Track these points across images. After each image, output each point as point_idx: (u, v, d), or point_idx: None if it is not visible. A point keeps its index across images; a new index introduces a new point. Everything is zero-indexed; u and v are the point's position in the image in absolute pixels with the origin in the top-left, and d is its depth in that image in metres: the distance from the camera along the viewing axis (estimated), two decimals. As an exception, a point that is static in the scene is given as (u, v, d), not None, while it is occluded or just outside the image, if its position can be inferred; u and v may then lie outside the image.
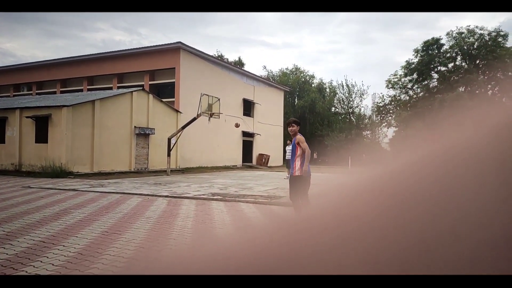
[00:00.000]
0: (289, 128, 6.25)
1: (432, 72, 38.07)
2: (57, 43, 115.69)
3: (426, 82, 38.65)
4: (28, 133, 17.73)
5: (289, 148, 15.13)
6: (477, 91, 34.72)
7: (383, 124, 45.98)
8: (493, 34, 34.44)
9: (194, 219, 6.52)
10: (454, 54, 36.54)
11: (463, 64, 36.49)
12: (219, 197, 9.64)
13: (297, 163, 6.08)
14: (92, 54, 28.60)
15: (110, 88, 26.47)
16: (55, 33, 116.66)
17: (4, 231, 5.36)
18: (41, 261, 3.95)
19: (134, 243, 4.78)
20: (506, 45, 34.36)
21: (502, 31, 34.70)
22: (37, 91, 31.34)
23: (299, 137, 6.14)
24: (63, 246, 4.58)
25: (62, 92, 29.19)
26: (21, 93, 32.40)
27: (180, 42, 24.70)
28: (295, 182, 6.09)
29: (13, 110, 18.21)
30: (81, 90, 28.15)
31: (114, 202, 8.64)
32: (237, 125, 25.71)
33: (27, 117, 17.60)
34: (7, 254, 4.21)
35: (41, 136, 17.34)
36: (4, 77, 33.34)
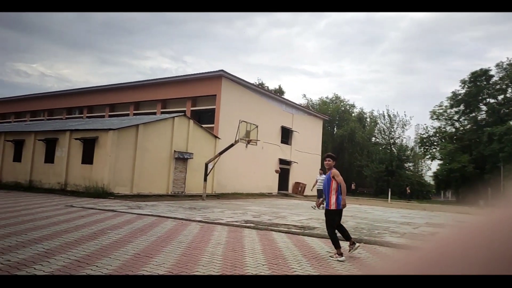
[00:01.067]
0: (325, 162, 6.55)
1: (480, 104, 36.53)
2: (109, 70, 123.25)
3: (473, 114, 37.08)
4: (76, 154, 18.70)
5: (320, 178, 14.89)
6: (530, 125, 32.75)
7: (427, 156, 44.23)
8: (547, 65, 32.73)
9: (224, 246, 6.49)
10: (504, 86, 34.94)
11: (514, 96, 34.74)
12: (252, 224, 9.57)
13: (333, 196, 6.22)
14: (139, 81, 30.13)
15: (154, 113, 27.58)
16: (107, 61, 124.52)
17: (44, 248, 5.59)
18: (80, 274, 4.06)
19: (164, 267, 4.81)
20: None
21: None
22: (87, 115, 33.23)
23: (334, 171, 6.41)
24: (96, 266, 4.69)
25: (110, 116, 30.78)
26: (73, 116, 34.52)
27: (222, 70, 25.47)
28: (331, 215, 6.26)
29: (63, 132, 19.37)
30: (128, 115, 29.53)
31: (149, 224, 8.81)
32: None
33: (76, 139, 18.62)
34: (43, 271, 4.37)
35: (87, 157, 18.22)
36: (59, 100, 35.76)
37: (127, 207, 12.50)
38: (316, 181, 15.94)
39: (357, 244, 6.44)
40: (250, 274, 4.56)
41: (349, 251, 6.32)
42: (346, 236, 6.34)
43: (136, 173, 18.45)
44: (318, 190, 15.51)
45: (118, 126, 18.46)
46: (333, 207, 6.18)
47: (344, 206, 6.30)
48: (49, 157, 19.64)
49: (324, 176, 11.02)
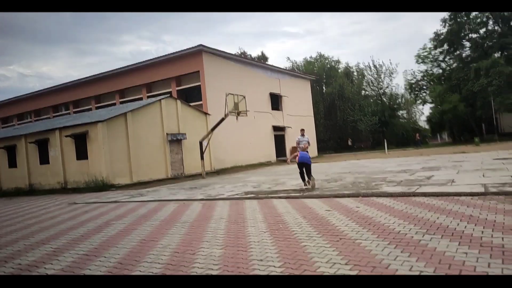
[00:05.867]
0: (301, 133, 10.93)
1: (464, 40, 36.25)
2: (89, 60, 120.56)
3: (458, 52, 36.88)
4: (69, 152, 18.67)
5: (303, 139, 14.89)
6: (515, 55, 32.71)
7: (418, 101, 44.40)
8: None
9: (227, 220, 6.67)
10: (485, 19, 34.54)
11: (496, 28, 34.43)
12: (252, 195, 9.76)
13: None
14: (120, 68, 29.63)
15: (140, 99, 27.33)
16: (86, 51, 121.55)
17: (52, 247, 5.73)
18: (84, 274, 4.21)
19: (170, 248, 4.97)
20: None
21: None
22: (74, 110, 32.87)
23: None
24: (104, 257, 4.85)
25: (97, 108, 30.47)
26: (60, 113, 34.13)
27: (201, 45, 25.05)
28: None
29: (53, 131, 19.23)
30: (114, 104, 29.23)
31: (152, 210, 8.98)
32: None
33: (66, 136, 18.52)
34: (54, 269, 4.52)
35: (81, 153, 18.20)
36: (44, 99, 35.24)
37: (129, 196, 12.66)
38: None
39: (307, 186, 10.04)
40: (253, 254, 4.73)
41: (304, 185, 10.23)
42: (306, 177, 10.19)
43: (133, 162, 18.52)
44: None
45: (106, 117, 18.34)
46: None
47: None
48: (44, 158, 19.60)
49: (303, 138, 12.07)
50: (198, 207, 8.63)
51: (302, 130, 12.97)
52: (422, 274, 3.20)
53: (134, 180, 18.32)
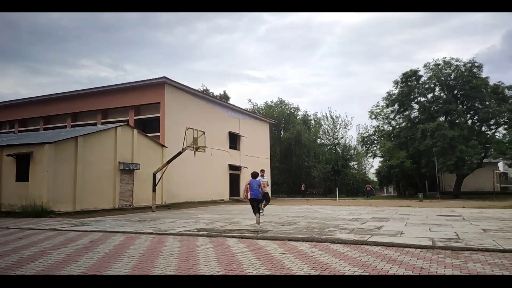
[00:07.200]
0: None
1: (413, 102, 38.96)
2: (41, 80, 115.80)
3: (407, 112, 39.47)
4: (9, 172, 17.29)
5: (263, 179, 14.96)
6: (457, 120, 35.58)
7: (369, 154, 46.39)
8: (468, 65, 35.77)
9: (177, 256, 6.32)
10: (432, 85, 37.60)
11: (442, 94, 37.55)
12: (205, 232, 9.42)
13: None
14: (76, 91, 28.61)
15: (95, 124, 26.31)
16: (39, 71, 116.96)
17: (-25, 276, 5.07)
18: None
19: (114, 284, 4.56)
20: (481, 76, 35.66)
21: (477, 62, 36.11)
22: (19, 129, 30.90)
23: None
24: (38, 290, 4.34)
25: (45, 129, 28.86)
26: (3, 131, 31.89)
27: (165, 77, 24.96)
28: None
29: (-7, 149, 17.80)
30: (65, 127, 27.86)
31: (95, 241, 8.35)
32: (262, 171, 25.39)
33: (7, 155, 17.22)
34: (-24, 301, 3.96)
35: (22, 175, 16.91)
36: (-14, 115, 32.85)
37: (70, 225, 11.77)
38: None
39: (259, 215, 11.28)
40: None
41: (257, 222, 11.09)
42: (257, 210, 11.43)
43: (78, 188, 17.44)
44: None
45: (55, 139, 17.37)
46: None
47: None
48: (-23, 177, 17.93)
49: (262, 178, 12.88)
50: (147, 241, 8.14)
51: (262, 170, 13.33)
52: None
53: (77, 208, 17.16)
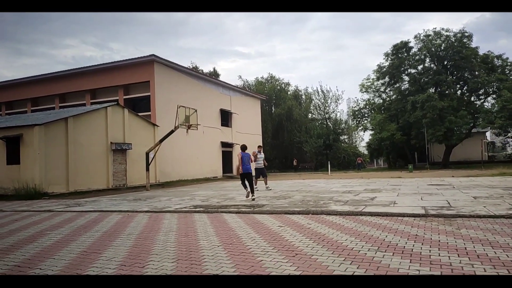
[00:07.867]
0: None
1: (403, 74, 39.01)
2: (26, 61, 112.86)
3: (398, 85, 39.55)
4: (-1, 155, 17.08)
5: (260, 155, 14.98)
6: (447, 91, 35.79)
7: (360, 128, 46.69)
8: (458, 35, 35.70)
9: (176, 233, 6.38)
10: (422, 57, 37.56)
11: (432, 65, 37.58)
12: (202, 208, 9.50)
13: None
14: (63, 71, 28.00)
15: (84, 105, 25.92)
16: (23, 52, 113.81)
17: (-25, 258, 5.08)
18: None
19: (115, 261, 4.61)
20: (471, 46, 35.65)
21: (467, 32, 36.04)
22: (6, 112, 30.35)
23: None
24: (40, 269, 4.37)
25: (33, 111, 28.37)
26: (-10, 114, 31.27)
27: (153, 55, 24.51)
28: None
29: (-19, 132, 17.50)
30: (53, 108, 27.42)
31: (92, 220, 8.37)
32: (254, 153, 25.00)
33: (-4, 138, 16.95)
34: (-21, 282, 3.97)
35: (13, 157, 16.74)
36: (-29, 98, 32.11)
37: (65, 206, 11.76)
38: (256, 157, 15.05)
39: (251, 196, 11.22)
40: (211, 273, 4.56)
41: (246, 196, 11.38)
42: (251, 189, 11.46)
43: (71, 170, 17.34)
44: (256, 169, 14.68)
45: (44, 120, 17.10)
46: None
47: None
48: (-33, 161, 17.70)
49: (259, 154, 14.50)
50: (144, 219, 8.20)
51: (260, 146, 13.95)
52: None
53: (71, 189, 17.12)
